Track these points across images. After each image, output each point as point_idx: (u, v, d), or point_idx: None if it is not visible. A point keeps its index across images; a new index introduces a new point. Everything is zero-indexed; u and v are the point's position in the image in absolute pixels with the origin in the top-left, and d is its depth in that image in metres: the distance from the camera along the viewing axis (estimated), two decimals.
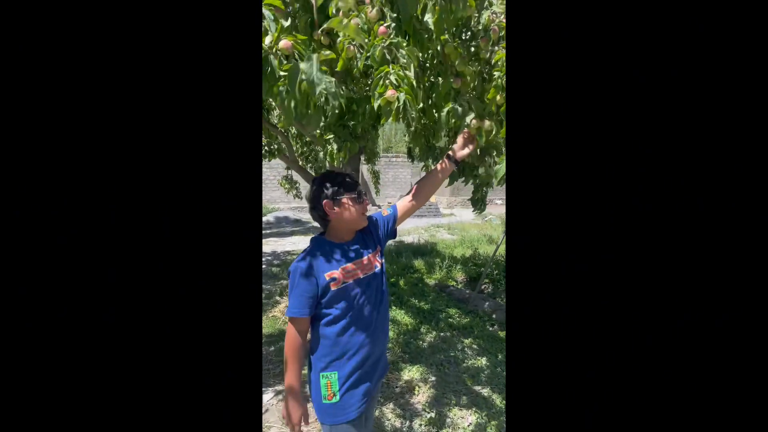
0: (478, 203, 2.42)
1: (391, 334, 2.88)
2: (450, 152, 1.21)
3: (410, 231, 7.87)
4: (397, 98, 1.03)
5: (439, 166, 1.22)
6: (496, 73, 1.13)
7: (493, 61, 1.19)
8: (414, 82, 1.11)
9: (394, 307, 3.41)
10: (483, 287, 4.05)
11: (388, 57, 1.06)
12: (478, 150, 1.39)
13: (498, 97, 1.17)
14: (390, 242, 6.35)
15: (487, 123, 1.19)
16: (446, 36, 1.22)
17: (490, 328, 3.06)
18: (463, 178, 1.95)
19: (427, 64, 1.34)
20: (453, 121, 1.22)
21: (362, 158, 3.78)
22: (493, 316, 3.27)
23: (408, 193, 1.23)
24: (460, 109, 1.22)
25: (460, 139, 1.21)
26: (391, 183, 13.80)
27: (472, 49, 1.21)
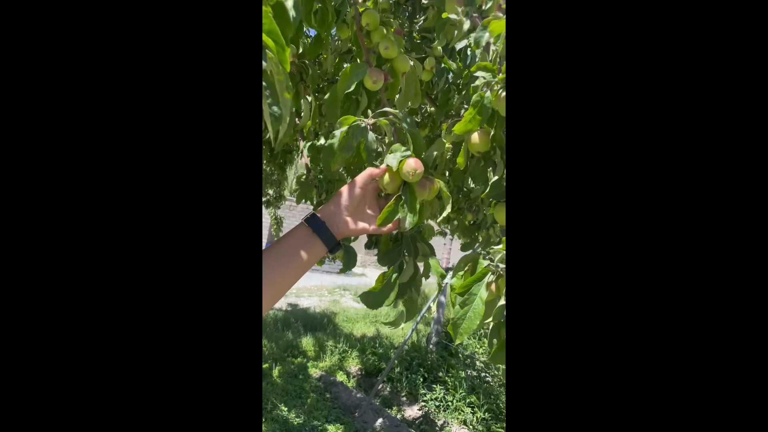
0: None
1: None
2: (319, 213, 0.53)
3: (311, 291, 6.87)
4: None
5: (297, 249, 0.51)
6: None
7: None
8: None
9: None
10: (380, 388, 3.23)
11: None
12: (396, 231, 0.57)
13: (475, 137, 0.50)
14: (279, 307, 5.25)
15: (432, 184, 0.55)
16: None
17: None
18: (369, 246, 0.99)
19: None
20: (348, 153, 0.51)
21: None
22: None
23: None
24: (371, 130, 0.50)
25: (349, 189, 0.53)
26: None
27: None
